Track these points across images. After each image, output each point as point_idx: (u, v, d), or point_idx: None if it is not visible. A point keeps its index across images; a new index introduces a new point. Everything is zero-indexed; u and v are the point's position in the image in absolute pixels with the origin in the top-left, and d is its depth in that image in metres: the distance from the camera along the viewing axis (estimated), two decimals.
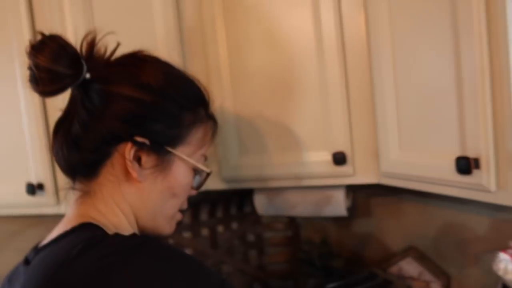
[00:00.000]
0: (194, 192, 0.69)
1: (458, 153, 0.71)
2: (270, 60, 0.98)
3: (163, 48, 1.01)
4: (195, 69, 1.05)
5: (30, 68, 0.55)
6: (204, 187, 1.07)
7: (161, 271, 0.48)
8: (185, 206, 0.68)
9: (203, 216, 1.33)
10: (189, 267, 0.51)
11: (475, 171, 0.68)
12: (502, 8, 0.62)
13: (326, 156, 0.94)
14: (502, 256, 0.73)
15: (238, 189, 1.11)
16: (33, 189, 1.00)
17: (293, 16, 0.94)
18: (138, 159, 0.59)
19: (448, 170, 0.72)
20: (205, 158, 0.68)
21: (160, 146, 0.60)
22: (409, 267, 1.12)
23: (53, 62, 0.54)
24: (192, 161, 0.63)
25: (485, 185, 0.67)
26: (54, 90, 0.56)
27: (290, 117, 0.98)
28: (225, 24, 1.02)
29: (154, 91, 0.59)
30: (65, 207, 1.02)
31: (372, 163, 0.92)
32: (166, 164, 0.61)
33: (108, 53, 0.61)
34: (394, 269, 1.15)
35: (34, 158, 1.04)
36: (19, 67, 1.05)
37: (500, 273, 0.70)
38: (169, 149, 0.61)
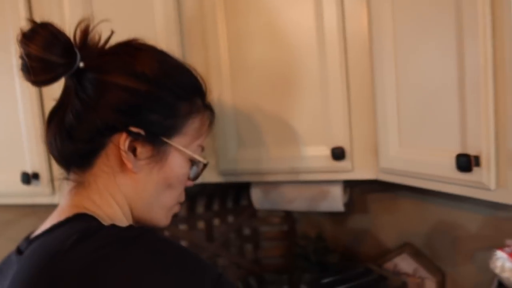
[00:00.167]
0: (190, 183, 0.68)
1: (458, 150, 0.71)
2: (271, 54, 0.97)
3: (163, 39, 1.00)
4: (194, 61, 1.04)
5: (21, 57, 0.54)
6: (201, 180, 1.07)
7: (157, 263, 0.48)
8: (182, 198, 0.67)
9: (199, 209, 1.33)
10: (186, 260, 0.50)
11: (475, 169, 0.68)
12: (508, 6, 0.62)
13: (325, 151, 0.94)
14: (499, 254, 0.73)
15: (235, 182, 1.10)
16: (28, 178, 0.99)
17: (295, 9, 0.93)
18: (133, 150, 0.58)
19: (448, 167, 0.72)
20: (202, 148, 0.67)
21: (156, 137, 0.59)
22: (404, 263, 1.12)
23: (45, 51, 0.53)
24: (189, 152, 0.63)
25: (485, 183, 0.67)
26: (46, 79, 0.55)
27: (289, 111, 0.97)
28: (226, 15, 1.01)
29: (149, 80, 0.58)
30: (59, 197, 1.01)
31: (371, 159, 0.91)
32: (162, 155, 0.60)
33: (102, 41, 0.60)
34: (389, 265, 1.15)
35: (29, 147, 1.02)
36: (15, 56, 1.03)
37: (497, 271, 0.70)
38: (165, 139, 0.60)
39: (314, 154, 0.96)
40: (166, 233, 1.29)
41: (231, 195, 1.35)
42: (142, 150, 0.58)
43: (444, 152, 0.73)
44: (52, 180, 1.01)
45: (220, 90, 1.03)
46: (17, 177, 1.00)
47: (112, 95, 0.57)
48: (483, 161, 0.67)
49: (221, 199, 1.35)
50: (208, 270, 0.51)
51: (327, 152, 0.94)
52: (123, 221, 0.60)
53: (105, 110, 0.56)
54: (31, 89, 1.01)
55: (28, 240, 0.57)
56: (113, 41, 0.61)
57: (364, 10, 0.88)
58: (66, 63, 0.55)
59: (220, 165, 1.06)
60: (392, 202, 1.17)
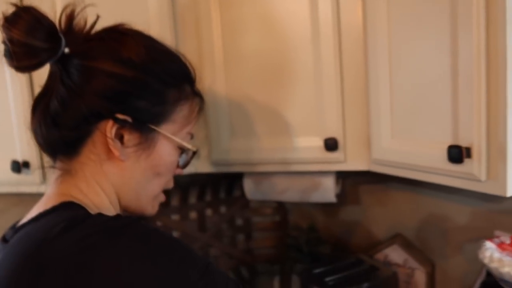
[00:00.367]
0: (180, 171, 0.67)
1: (450, 142, 0.71)
2: (265, 44, 0.96)
3: (156, 27, 0.99)
4: (187, 50, 1.03)
5: (4, 42, 0.52)
6: (194, 170, 1.07)
7: (144, 252, 0.48)
8: (170, 185, 0.67)
9: (192, 199, 1.33)
10: (173, 250, 0.50)
11: (466, 160, 0.69)
12: (502, 1, 0.62)
13: (318, 142, 0.94)
14: (488, 244, 0.74)
15: (228, 173, 1.10)
16: (19, 167, 0.98)
17: (289, 0, 0.93)
18: (120, 137, 0.57)
19: (440, 158, 0.72)
20: (192, 136, 0.66)
21: (143, 124, 0.58)
22: (395, 254, 1.13)
23: (28, 36, 0.52)
24: (177, 139, 0.62)
25: (476, 174, 0.68)
26: (30, 65, 0.54)
27: (283, 101, 0.97)
28: (220, 4, 1.00)
29: (135, 66, 0.57)
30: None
31: (363, 150, 0.92)
32: (150, 142, 0.59)
33: (88, 26, 0.59)
34: (380, 256, 1.16)
35: (20, 136, 1.01)
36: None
37: (486, 261, 0.71)
38: (153, 126, 0.59)
39: (307, 145, 0.96)
40: (159, 223, 1.28)
41: (223, 186, 1.35)
42: (130, 138, 0.57)
43: (436, 144, 0.74)
44: (42, 168, 1.00)
45: (213, 80, 1.02)
46: (7, 166, 0.99)
47: (98, 81, 0.56)
48: (474, 152, 0.68)
49: (214, 190, 1.35)
50: (196, 259, 0.51)
51: (320, 143, 0.94)
52: (110, 210, 0.59)
53: (91, 97, 0.55)
54: (21, 77, 0.99)
55: (14, 229, 0.56)
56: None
57: (359, 2, 0.87)
58: (50, 48, 0.54)
59: (212, 155, 1.06)
60: (384, 194, 1.18)
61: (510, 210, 0.88)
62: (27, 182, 1.01)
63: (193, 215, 1.32)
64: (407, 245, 1.12)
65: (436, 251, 1.07)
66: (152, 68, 0.59)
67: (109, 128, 0.56)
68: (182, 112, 0.62)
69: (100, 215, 0.52)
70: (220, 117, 1.03)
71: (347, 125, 0.93)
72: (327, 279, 1.02)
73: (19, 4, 0.53)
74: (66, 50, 0.55)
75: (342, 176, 1.15)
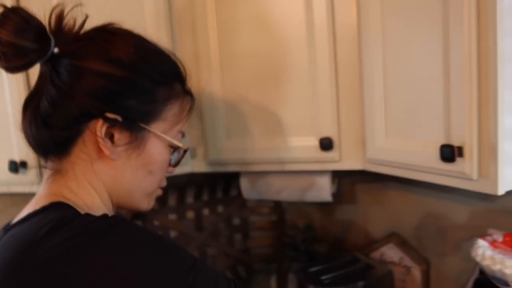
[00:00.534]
0: (171, 170, 0.67)
1: (442, 141, 0.72)
2: (260, 44, 0.97)
3: (152, 28, 0.99)
4: (184, 51, 1.04)
5: None
6: (190, 170, 1.08)
7: (131, 250, 0.48)
8: (164, 183, 0.67)
9: (189, 199, 1.33)
10: (160, 246, 0.50)
11: (458, 159, 0.69)
12: (492, 1, 0.63)
13: (313, 142, 0.95)
14: (480, 242, 0.75)
15: (224, 172, 1.11)
16: (16, 167, 0.98)
17: (284, 0, 0.93)
18: (110, 136, 0.57)
19: (432, 157, 0.73)
20: (183, 134, 0.66)
21: (133, 123, 0.58)
22: (391, 252, 1.14)
23: (16, 36, 0.52)
24: (168, 137, 0.62)
25: (468, 173, 0.69)
26: (20, 65, 0.54)
27: (278, 102, 0.98)
28: (216, 5, 1.00)
29: (125, 65, 0.57)
30: None
31: (358, 149, 0.93)
32: (141, 141, 0.59)
33: (77, 26, 0.59)
34: (376, 254, 1.17)
35: (17, 135, 1.01)
36: None
37: (478, 259, 0.72)
38: (143, 125, 0.59)
39: (303, 145, 0.96)
40: (156, 223, 1.29)
41: (220, 185, 1.36)
42: (120, 137, 0.58)
43: (429, 143, 0.75)
44: (40, 168, 1.00)
45: (209, 80, 1.03)
46: (5, 166, 1.00)
47: (88, 81, 0.56)
48: (466, 151, 0.68)
49: (211, 189, 1.35)
50: (183, 256, 0.51)
51: (315, 142, 0.95)
52: (102, 208, 0.59)
53: (80, 97, 0.55)
54: (19, 78, 0.99)
55: (5, 229, 0.56)
56: None
57: (353, 3, 0.88)
58: (39, 49, 0.54)
59: (208, 155, 1.06)
60: (379, 193, 1.19)
61: (503, 208, 0.89)
62: (25, 182, 1.01)
63: (190, 214, 1.33)
64: (403, 244, 1.13)
65: (431, 249, 1.08)
66: (142, 67, 0.59)
67: (99, 127, 0.56)
68: (172, 110, 0.62)
69: (87, 215, 0.52)
70: (216, 117, 1.04)
71: (342, 124, 0.93)
72: (323, 277, 1.03)
73: (8, 5, 0.53)
74: (56, 50, 0.55)
75: (338, 176, 1.16)
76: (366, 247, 1.21)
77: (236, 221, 1.38)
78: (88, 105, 0.56)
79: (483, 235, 0.79)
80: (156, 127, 0.60)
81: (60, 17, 0.56)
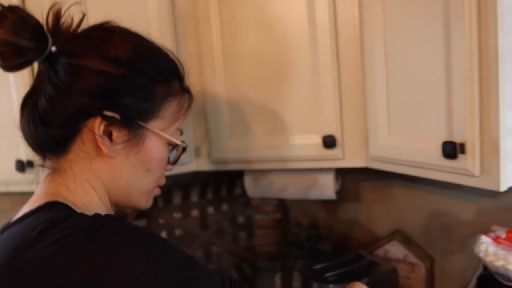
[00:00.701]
0: (170, 168, 0.67)
1: (444, 138, 0.73)
2: (263, 43, 0.98)
3: (156, 28, 1.00)
4: (187, 50, 1.05)
5: None
6: (194, 169, 1.09)
7: (123, 249, 0.48)
8: (162, 181, 0.67)
9: (194, 197, 1.34)
10: (153, 245, 0.50)
11: (460, 156, 0.70)
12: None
13: (316, 139, 0.95)
14: (484, 238, 0.75)
15: (228, 171, 1.12)
16: (23, 166, 1.00)
17: (287, 0, 0.94)
18: (109, 135, 0.57)
19: (435, 154, 0.74)
20: (181, 132, 0.67)
21: (131, 121, 0.58)
22: (395, 249, 1.15)
23: (14, 35, 0.52)
24: (166, 135, 0.62)
25: (470, 169, 0.69)
26: (17, 64, 0.54)
27: (281, 100, 0.98)
28: (219, 5, 1.01)
29: (122, 64, 0.57)
30: None
31: (361, 147, 0.93)
32: (139, 139, 0.59)
33: (74, 25, 0.59)
34: (380, 252, 1.18)
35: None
36: None
37: (481, 255, 0.72)
38: (141, 123, 0.59)
39: (306, 143, 0.97)
40: (161, 221, 1.30)
41: (225, 184, 1.37)
42: (118, 135, 0.58)
43: (431, 140, 0.75)
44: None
45: (212, 79, 1.04)
46: (12, 165, 1.01)
47: (86, 79, 0.56)
48: (468, 148, 0.69)
49: (215, 188, 1.36)
50: (177, 254, 0.51)
51: (318, 140, 0.95)
52: (100, 207, 0.59)
53: (78, 95, 0.56)
54: (24, 77, 1.00)
55: (2, 229, 0.57)
56: None
57: (355, 2, 0.88)
58: (37, 48, 0.54)
59: (212, 154, 1.07)
60: (383, 190, 1.19)
61: (507, 205, 0.89)
62: (32, 181, 1.02)
63: (195, 213, 1.34)
64: (407, 241, 1.13)
65: (436, 246, 1.08)
66: (139, 65, 0.59)
67: (97, 125, 0.56)
68: (170, 108, 0.62)
69: (80, 215, 0.52)
70: (219, 116, 1.05)
71: (345, 122, 0.94)
72: (328, 274, 1.03)
73: (5, 4, 0.54)
74: (53, 48, 0.56)
75: (342, 173, 1.16)
76: (370, 244, 1.21)
77: (240, 219, 1.38)
78: (86, 103, 0.56)
79: (486, 232, 0.79)
80: (155, 125, 0.60)
81: (58, 15, 0.56)
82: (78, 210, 0.54)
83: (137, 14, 1.00)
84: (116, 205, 0.63)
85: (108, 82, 0.57)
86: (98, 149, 0.57)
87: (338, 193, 1.14)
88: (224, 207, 1.37)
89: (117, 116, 0.57)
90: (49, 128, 0.57)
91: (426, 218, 1.09)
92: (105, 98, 0.57)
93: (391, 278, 1.07)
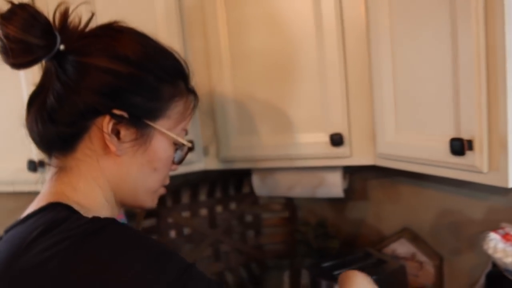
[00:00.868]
0: (175, 167, 0.67)
1: (452, 134, 0.73)
2: (270, 42, 0.98)
3: (163, 28, 1.01)
4: (194, 50, 1.06)
5: (0, 39, 0.53)
6: (202, 167, 1.10)
7: (121, 253, 0.47)
8: (167, 181, 0.67)
9: (202, 196, 1.35)
10: (152, 250, 0.49)
11: (468, 153, 0.70)
12: None
13: (323, 138, 0.96)
14: (492, 235, 0.75)
15: (236, 170, 1.12)
16: (35, 166, 1.01)
17: None
18: (116, 133, 0.58)
19: (442, 151, 0.74)
20: (186, 132, 0.67)
21: (139, 120, 0.58)
22: (403, 248, 1.14)
23: (24, 32, 0.52)
24: (173, 135, 0.62)
25: (478, 166, 0.69)
26: (26, 62, 0.54)
27: (288, 99, 0.99)
28: (226, 4, 1.02)
29: (131, 63, 0.57)
30: None
31: (369, 144, 0.93)
32: (146, 138, 0.60)
33: (82, 24, 0.59)
34: (388, 250, 1.18)
35: None
36: None
37: (490, 251, 0.72)
38: (149, 122, 0.59)
39: (313, 141, 0.97)
40: (170, 220, 1.31)
41: (232, 183, 1.38)
42: (126, 133, 0.58)
43: (438, 137, 0.75)
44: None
45: (220, 78, 1.04)
46: (24, 165, 1.02)
47: (95, 77, 0.56)
48: (476, 145, 0.69)
49: (223, 187, 1.37)
50: (176, 260, 0.50)
51: (326, 138, 0.95)
52: (105, 206, 0.59)
53: (87, 93, 0.56)
54: (36, 77, 1.02)
55: (6, 230, 0.57)
56: None
57: None
58: (46, 45, 0.54)
59: (220, 152, 1.08)
60: (391, 188, 1.19)
61: None
62: (43, 181, 1.04)
63: (203, 212, 1.35)
64: (415, 239, 1.13)
65: (444, 244, 1.07)
66: (147, 64, 0.59)
67: (106, 123, 0.56)
68: (177, 108, 0.63)
69: (77, 218, 0.51)
70: (227, 115, 1.05)
71: (352, 120, 0.94)
72: (336, 272, 1.03)
73: (15, 1, 0.54)
74: (61, 47, 0.56)
75: (350, 171, 1.16)
76: (378, 242, 1.21)
77: (248, 218, 1.39)
78: (95, 102, 0.56)
79: (495, 229, 0.79)
80: (161, 124, 0.61)
81: (65, 14, 0.57)
82: (82, 211, 0.54)
83: (144, 13, 1.01)
84: (122, 205, 0.63)
85: (117, 81, 0.57)
86: (105, 147, 0.58)
87: (345, 191, 1.14)
88: (232, 205, 1.38)
89: (125, 114, 0.57)
90: (57, 125, 0.57)
91: (434, 216, 1.09)
92: (114, 97, 0.57)
93: (400, 276, 1.07)
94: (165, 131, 0.61)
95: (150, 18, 1.01)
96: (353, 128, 0.94)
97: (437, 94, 0.75)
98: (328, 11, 0.91)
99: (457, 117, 0.72)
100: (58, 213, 0.52)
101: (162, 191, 0.67)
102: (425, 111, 0.78)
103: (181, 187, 1.33)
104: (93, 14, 0.60)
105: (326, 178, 1.11)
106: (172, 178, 0.68)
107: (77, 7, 0.58)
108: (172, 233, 1.32)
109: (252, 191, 1.28)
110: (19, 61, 0.54)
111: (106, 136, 0.57)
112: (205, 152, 1.10)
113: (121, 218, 1.26)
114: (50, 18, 0.56)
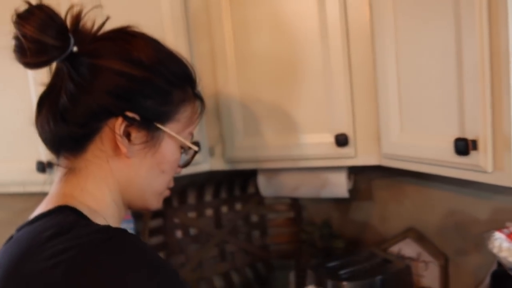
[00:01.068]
0: (179, 170, 0.69)
1: (456, 134, 0.73)
2: (275, 43, 0.99)
3: (169, 30, 1.02)
4: (200, 51, 1.07)
5: (16, 38, 0.53)
6: (208, 168, 1.11)
7: (127, 268, 0.47)
8: (172, 184, 0.68)
9: (208, 197, 1.36)
10: (158, 267, 0.49)
11: (472, 152, 0.70)
12: None
13: (328, 138, 0.96)
14: (497, 234, 0.75)
15: (242, 170, 1.13)
16: (43, 167, 1.03)
17: (298, 0, 0.95)
18: (127, 135, 0.58)
19: (447, 151, 0.74)
20: (192, 136, 0.68)
21: (150, 122, 0.59)
22: (408, 247, 1.15)
23: (40, 32, 0.53)
24: (181, 138, 0.63)
25: (482, 166, 0.69)
26: (40, 62, 0.55)
27: (294, 99, 0.99)
28: (231, 6, 1.03)
29: (145, 67, 0.58)
30: None
31: (373, 145, 0.94)
32: (156, 141, 0.61)
33: (95, 27, 0.60)
34: (393, 250, 1.18)
35: None
36: None
37: (495, 250, 0.73)
38: (159, 125, 0.60)
39: (318, 141, 0.98)
40: (176, 220, 1.32)
41: (238, 183, 1.39)
42: (137, 135, 0.59)
43: (443, 137, 0.75)
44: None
45: (225, 80, 1.05)
46: (33, 166, 1.04)
47: (109, 79, 0.57)
48: (480, 144, 0.69)
49: (229, 187, 1.38)
50: (173, 277, 0.50)
51: (331, 139, 0.96)
52: (113, 207, 0.60)
53: (101, 94, 0.56)
54: (44, 78, 1.03)
55: (18, 229, 0.57)
56: None
57: (366, 0, 0.89)
58: (60, 46, 0.55)
59: (226, 153, 1.09)
60: (396, 188, 1.19)
61: None
62: (52, 182, 1.05)
63: (209, 212, 1.36)
64: (420, 239, 1.13)
65: (450, 244, 1.08)
66: (160, 69, 0.60)
67: (118, 125, 0.57)
68: (186, 112, 0.64)
69: (87, 225, 0.51)
70: (233, 116, 1.06)
71: (357, 121, 0.95)
72: (341, 272, 1.04)
73: (32, 2, 0.55)
74: (75, 48, 0.57)
75: (355, 172, 1.17)
76: (384, 242, 1.21)
77: (254, 218, 1.40)
78: (108, 103, 0.57)
79: (500, 228, 0.79)
80: (171, 128, 0.62)
81: (78, 17, 0.58)
82: (89, 213, 0.54)
83: (150, 16, 1.02)
84: (128, 206, 0.64)
85: (131, 84, 0.58)
86: (116, 149, 0.58)
87: (350, 191, 1.15)
88: (238, 206, 1.38)
89: (137, 117, 0.58)
90: (69, 125, 0.57)
91: (439, 216, 1.09)
92: (127, 99, 0.58)
93: (405, 276, 1.07)
94: (174, 135, 0.63)
95: (157, 22, 1.02)
96: (358, 129, 0.95)
97: (441, 94, 0.76)
98: (332, 13, 0.92)
99: (462, 117, 0.72)
100: (66, 217, 0.53)
101: (167, 193, 0.68)
102: (430, 111, 0.79)
103: (187, 188, 1.34)
104: (107, 18, 0.61)
105: (331, 179, 1.11)
106: (178, 178, 0.69)
107: (90, 10, 0.59)
108: (179, 233, 1.33)
109: (257, 192, 1.29)
110: (33, 61, 0.54)
111: (118, 138, 0.57)
112: (211, 153, 1.11)
113: (128, 218, 1.27)
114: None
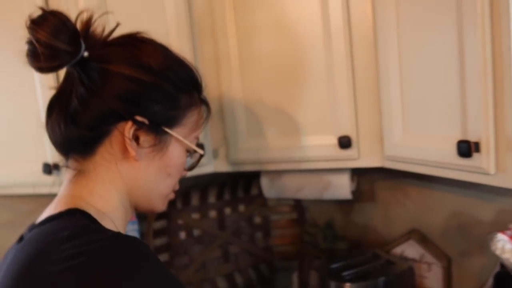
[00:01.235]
0: (185, 173, 0.70)
1: (459, 137, 0.74)
2: (278, 46, 1.00)
3: (174, 33, 1.03)
4: (204, 55, 1.08)
5: (30, 43, 0.54)
6: (212, 170, 1.11)
7: (136, 276, 0.48)
8: (177, 186, 0.70)
9: (211, 198, 1.37)
10: (162, 280, 0.50)
11: (475, 154, 0.71)
12: None
13: (331, 140, 0.97)
14: (500, 236, 0.75)
15: (246, 172, 1.14)
16: (50, 169, 1.03)
17: (301, 2, 0.96)
18: (136, 138, 0.60)
19: (450, 153, 0.75)
20: (197, 140, 0.70)
21: (158, 126, 0.61)
22: (411, 249, 1.15)
23: (54, 38, 0.54)
24: (188, 142, 0.65)
25: (485, 167, 0.70)
26: (52, 66, 0.56)
27: (297, 102, 1.00)
28: (235, 10, 1.04)
29: (154, 72, 0.60)
30: None
31: (376, 147, 0.94)
32: (163, 144, 0.62)
33: (105, 33, 0.61)
34: (396, 251, 1.18)
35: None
36: None
37: (498, 252, 0.73)
38: (167, 129, 0.62)
39: (321, 143, 0.99)
40: (180, 222, 1.33)
41: (241, 185, 1.39)
42: (145, 139, 0.60)
43: (446, 139, 0.76)
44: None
45: (229, 82, 1.06)
46: (39, 168, 1.05)
47: (119, 84, 0.58)
48: (482, 146, 0.70)
49: (232, 189, 1.38)
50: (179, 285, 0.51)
51: (334, 141, 0.97)
52: (120, 209, 0.61)
53: (111, 98, 0.58)
54: (50, 80, 1.04)
55: (29, 229, 0.58)
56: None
57: (369, 2, 0.90)
58: (72, 52, 0.56)
59: (230, 155, 1.10)
60: (399, 190, 1.19)
61: None
62: (59, 183, 1.06)
63: (212, 213, 1.37)
64: (423, 240, 1.14)
65: (453, 245, 1.08)
66: (168, 74, 0.62)
67: (128, 128, 0.59)
68: (192, 117, 0.66)
69: (98, 230, 0.53)
70: (236, 118, 1.07)
71: (360, 123, 0.95)
72: (344, 273, 1.04)
73: (45, 7, 0.56)
74: (85, 54, 0.58)
75: (358, 173, 1.17)
76: (387, 244, 1.22)
77: (257, 219, 1.40)
78: (118, 107, 0.58)
79: (503, 230, 0.80)
80: (178, 132, 0.64)
81: (88, 23, 0.59)
82: (98, 216, 0.55)
83: (155, 20, 1.03)
84: (135, 208, 0.66)
85: (141, 89, 0.59)
86: (125, 152, 0.60)
87: (353, 193, 1.15)
88: (241, 207, 1.39)
89: (146, 121, 0.60)
90: (79, 128, 0.58)
91: (442, 218, 1.09)
92: (136, 103, 0.59)
93: (408, 277, 1.07)
94: (181, 139, 0.64)
95: (161, 25, 1.03)
96: (361, 131, 0.95)
97: (444, 97, 0.76)
98: (335, 15, 0.93)
99: (464, 119, 0.73)
100: (77, 221, 0.54)
101: (172, 196, 0.70)
102: (432, 113, 0.79)
103: (191, 189, 1.35)
104: (117, 24, 0.63)
105: (334, 180, 1.12)
106: (182, 180, 0.70)
107: (100, 16, 0.60)
108: (182, 235, 1.34)
109: (260, 193, 1.29)
110: (46, 65, 0.56)
111: (127, 141, 0.59)
112: (215, 154, 1.12)
113: (133, 220, 1.28)
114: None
